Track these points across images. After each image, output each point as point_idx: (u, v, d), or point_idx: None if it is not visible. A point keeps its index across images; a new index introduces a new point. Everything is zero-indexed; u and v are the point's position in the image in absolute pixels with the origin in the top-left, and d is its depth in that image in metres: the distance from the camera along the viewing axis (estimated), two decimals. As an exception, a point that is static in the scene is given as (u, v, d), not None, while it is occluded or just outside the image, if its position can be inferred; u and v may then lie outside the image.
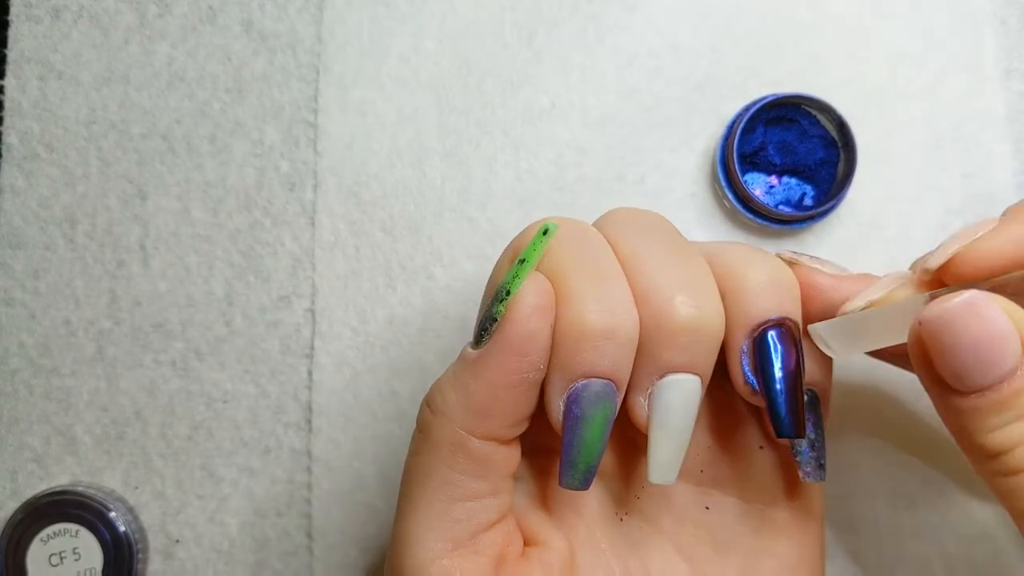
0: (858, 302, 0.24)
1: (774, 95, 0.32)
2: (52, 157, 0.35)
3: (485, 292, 0.24)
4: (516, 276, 0.22)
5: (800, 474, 0.24)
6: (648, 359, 0.22)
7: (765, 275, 0.23)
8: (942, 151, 0.34)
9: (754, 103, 0.32)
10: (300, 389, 0.34)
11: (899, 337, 0.22)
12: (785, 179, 0.33)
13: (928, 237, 0.33)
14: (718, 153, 0.33)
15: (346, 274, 0.34)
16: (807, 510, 0.26)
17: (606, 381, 0.22)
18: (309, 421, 0.34)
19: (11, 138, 0.35)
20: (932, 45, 0.34)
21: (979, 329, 0.19)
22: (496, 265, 0.24)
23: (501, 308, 0.22)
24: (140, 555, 0.32)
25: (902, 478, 0.32)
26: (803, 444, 0.24)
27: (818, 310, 0.25)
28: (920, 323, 0.20)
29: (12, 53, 0.35)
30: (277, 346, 0.34)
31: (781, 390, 0.23)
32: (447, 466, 0.22)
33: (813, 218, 0.33)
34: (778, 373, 0.23)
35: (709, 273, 0.23)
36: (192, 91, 0.35)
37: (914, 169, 0.34)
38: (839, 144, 0.33)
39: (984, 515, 0.32)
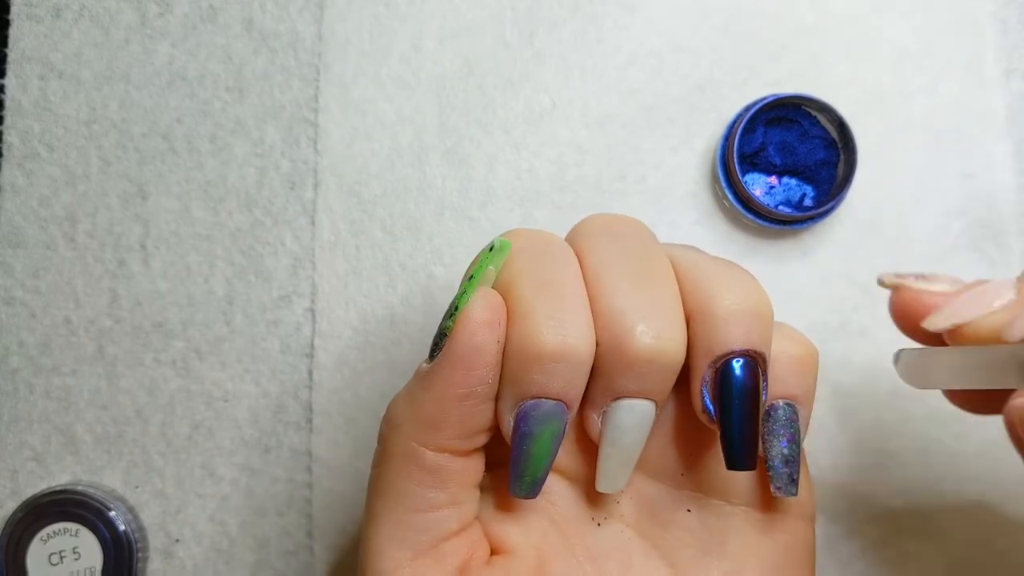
0: (940, 322, 0.22)
1: (774, 95, 0.32)
2: (53, 156, 0.35)
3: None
4: (464, 292, 0.22)
5: (772, 488, 0.24)
6: (603, 380, 0.22)
7: (736, 302, 0.22)
8: (942, 151, 0.34)
9: (754, 103, 0.32)
10: (300, 388, 0.34)
11: (980, 384, 0.20)
12: (785, 179, 0.33)
13: (928, 238, 0.33)
14: (718, 153, 0.33)
15: (346, 273, 0.34)
16: (793, 511, 0.26)
17: (556, 401, 0.22)
18: (309, 420, 0.34)
19: (12, 137, 0.35)
20: (932, 45, 0.34)
21: None
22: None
23: (450, 323, 0.22)
24: (140, 554, 0.32)
25: (902, 479, 0.32)
26: (776, 460, 0.24)
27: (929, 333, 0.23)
28: (1010, 411, 0.19)
29: (13, 52, 0.35)
30: (277, 345, 0.34)
31: (737, 425, 0.22)
32: (403, 478, 0.23)
33: (813, 219, 0.33)
34: (736, 407, 0.22)
35: (676, 295, 0.23)
36: (193, 90, 0.35)
37: (914, 170, 0.34)
38: (839, 145, 0.33)
39: (986, 517, 0.32)
